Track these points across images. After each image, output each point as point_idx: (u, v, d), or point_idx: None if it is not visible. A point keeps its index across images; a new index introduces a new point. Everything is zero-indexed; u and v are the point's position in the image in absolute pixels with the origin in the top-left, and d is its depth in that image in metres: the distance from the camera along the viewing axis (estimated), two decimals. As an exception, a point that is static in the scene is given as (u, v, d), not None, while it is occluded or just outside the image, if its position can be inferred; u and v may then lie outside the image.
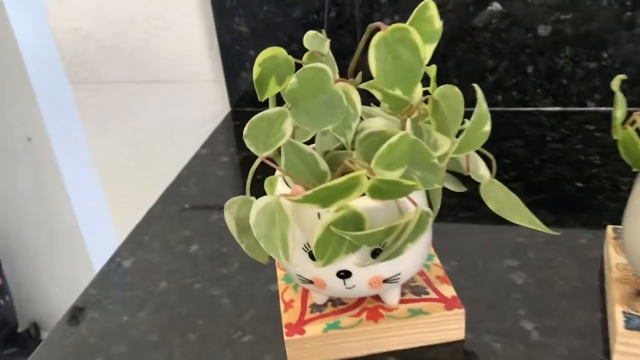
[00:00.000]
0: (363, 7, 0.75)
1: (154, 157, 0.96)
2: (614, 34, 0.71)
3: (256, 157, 0.39)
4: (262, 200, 0.39)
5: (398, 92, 0.38)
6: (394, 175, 0.37)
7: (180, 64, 0.88)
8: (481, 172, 0.47)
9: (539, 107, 0.79)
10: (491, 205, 0.42)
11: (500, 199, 0.43)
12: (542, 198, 0.61)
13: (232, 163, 0.74)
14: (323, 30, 0.46)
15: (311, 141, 0.43)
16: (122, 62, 0.90)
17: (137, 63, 0.89)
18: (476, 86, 0.38)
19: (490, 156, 0.44)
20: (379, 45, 0.37)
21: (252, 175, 0.44)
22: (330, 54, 0.45)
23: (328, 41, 0.45)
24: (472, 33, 0.75)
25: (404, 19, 0.77)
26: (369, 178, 0.35)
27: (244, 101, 0.87)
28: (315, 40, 0.44)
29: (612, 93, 0.38)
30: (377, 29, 0.37)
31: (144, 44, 0.87)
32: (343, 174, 0.35)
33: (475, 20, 0.75)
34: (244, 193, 0.42)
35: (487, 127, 0.40)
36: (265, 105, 0.40)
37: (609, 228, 0.52)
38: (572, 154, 0.68)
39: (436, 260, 0.49)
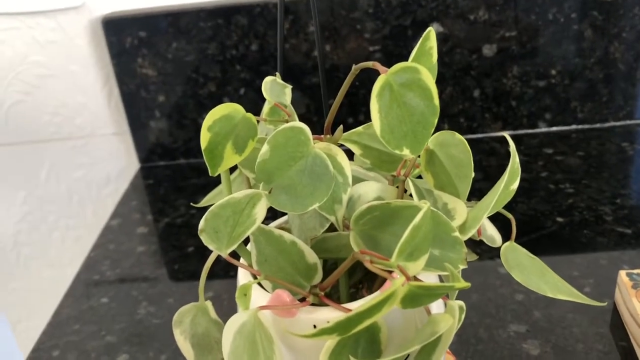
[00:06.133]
0: (290, 39, 0.65)
1: (49, 231, 0.80)
2: (561, 49, 0.66)
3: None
4: (236, 319, 0.28)
5: (406, 152, 0.29)
6: (418, 265, 0.27)
7: (73, 117, 0.73)
8: (490, 232, 0.38)
9: (488, 132, 0.72)
10: (517, 276, 0.34)
11: (525, 266, 0.35)
12: (526, 240, 0.54)
13: (152, 235, 0.61)
14: (277, 74, 0.36)
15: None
16: (-1, 121, 0.74)
17: (16, 121, 0.73)
18: (508, 137, 0.29)
19: (510, 216, 0.36)
20: (383, 93, 0.27)
21: (206, 273, 0.33)
22: (290, 105, 0.35)
23: (290, 88, 0.34)
24: (411, 58, 0.68)
25: (338, 48, 0.69)
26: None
27: (155, 154, 0.74)
28: (274, 87, 0.33)
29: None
30: (369, 71, 0.27)
31: (24, 98, 0.72)
32: (354, 269, 0.25)
33: (414, 44, 0.67)
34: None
35: (515, 185, 0.31)
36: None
37: (622, 274, 0.45)
38: (540, 184, 0.62)
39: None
